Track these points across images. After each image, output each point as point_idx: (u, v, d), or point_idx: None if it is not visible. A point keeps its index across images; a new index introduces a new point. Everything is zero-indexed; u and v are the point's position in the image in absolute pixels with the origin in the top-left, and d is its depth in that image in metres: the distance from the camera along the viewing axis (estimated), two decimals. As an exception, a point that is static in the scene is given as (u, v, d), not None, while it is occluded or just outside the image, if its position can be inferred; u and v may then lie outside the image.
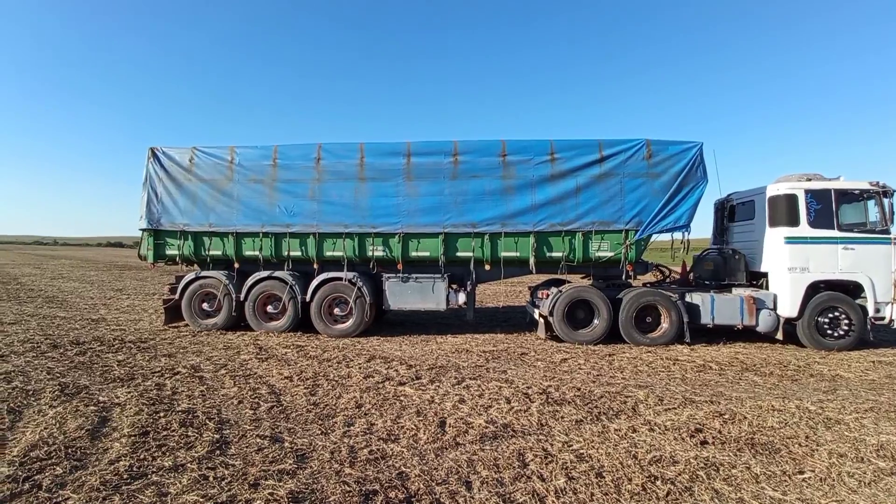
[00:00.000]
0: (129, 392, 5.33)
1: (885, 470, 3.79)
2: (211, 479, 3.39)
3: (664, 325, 8.65)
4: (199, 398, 5.22)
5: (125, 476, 3.40)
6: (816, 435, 4.43)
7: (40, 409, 4.73)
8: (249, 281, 9.04)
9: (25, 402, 4.97)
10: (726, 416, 4.80)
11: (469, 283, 9.02)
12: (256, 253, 9.04)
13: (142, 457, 3.72)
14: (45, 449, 3.81)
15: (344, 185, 8.89)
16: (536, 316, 9.15)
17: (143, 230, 9.39)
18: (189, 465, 3.60)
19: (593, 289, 8.81)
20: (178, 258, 9.42)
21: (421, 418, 4.66)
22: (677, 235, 8.88)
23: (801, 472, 3.68)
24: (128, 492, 3.19)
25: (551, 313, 8.63)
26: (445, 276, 8.90)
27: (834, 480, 3.60)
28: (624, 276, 9.07)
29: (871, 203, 8.60)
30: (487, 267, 8.84)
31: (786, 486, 3.48)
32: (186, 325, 9.52)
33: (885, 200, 8.41)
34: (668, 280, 10.05)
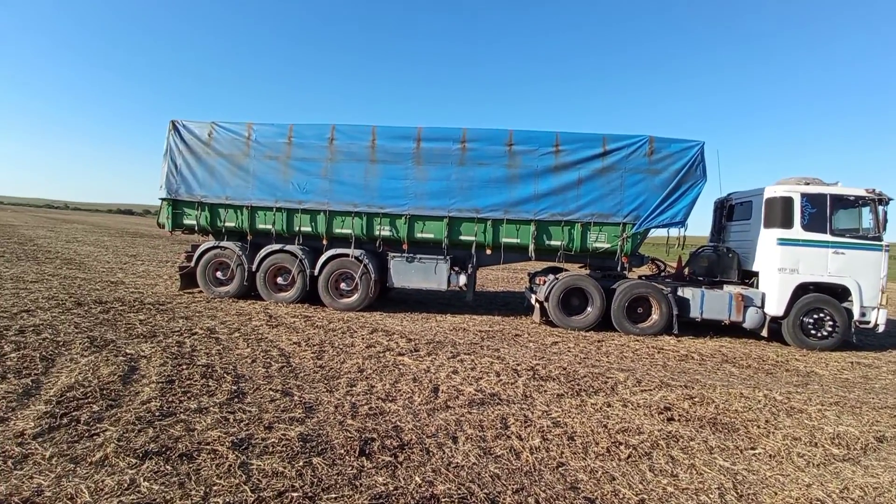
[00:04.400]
0: (153, 347, 5.84)
1: (837, 456, 4.19)
2: (231, 420, 3.89)
3: (654, 316, 9.05)
4: (216, 356, 5.72)
5: (156, 414, 3.90)
6: (776, 420, 4.85)
7: (72, 358, 5.23)
8: (262, 253, 9.51)
9: (56, 351, 5.45)
10: (696, 399, 5.24)
11: (470, 265, 9.43)
12: (269, 226, 9.49)
13: (169, 400, 4.22)
14: (81, 390, 4.30)
15: (355, 166, 9.26)
16: (533, 301, 9.57)
17: (163, 199, 9.84)
18: (211, 408, 4.10)
19: (589, 278, 9.19)
20: (194, 228, 9.88)
21: (416, 384, 5.14)
22: (674, 231, 9.22)
23: (754, 449, 4.12)
24: (160, 426, 3.69)
25: (547, 299, 9.05)
26: (448, 257, 9.32)
27: (783, 458, 4.02)
28: (619, 268, 9.43)
29: (865, 210, 8.85)
30: (489, 251, 9.24)
31: (736, 458, 3.91)
32: (200, 291, 10.04)
33: (881, 208, 8.66)
34: (662, 274, 10.40)
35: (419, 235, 9.27)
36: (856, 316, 8.59)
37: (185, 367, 5.20)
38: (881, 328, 8.57)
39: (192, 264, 9.86)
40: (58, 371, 4.81)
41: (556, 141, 8.98)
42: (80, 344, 5.73)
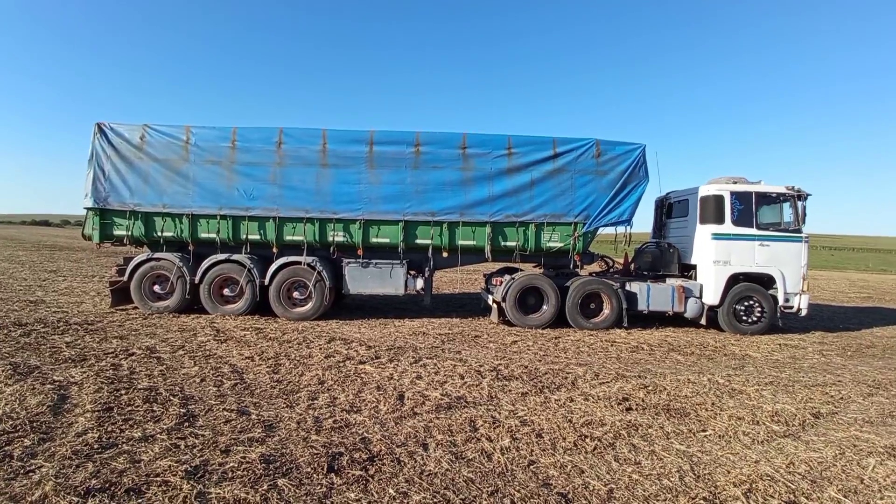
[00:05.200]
0: (84, 372, 5.30)
1: (778, 432, 4.53)
2: (182, 447, 3.59)
3: (606, 311, 9.44)
4: (159, 377, 5.29)
5: (95, 446, 3.52)
6: (721, 402, 5.19)
7: (-6, 388, 4.65)
8: (205, 263, 8.93)
9: (-25, 381, 4.84)
10: (650, 388, 5.51)
11: (427, 269, 9.39)
12: (213, 235, 8.94)
13: (109, 429, 3.83)
14: (10, 423, 3.83)
15: (306, 171, 8.94)
16: (490, 302, 9.68)
17: (89, 209, 9.00)
18: (159, 435, 3.77)
19: (544, 277, 9.43)
20: (126, 239, 9.11)
21: (381, 392, 5.02)
22: (620, 229, 9.66)
23: (704, 431, 4.38)
24: (100, 459, 3.33)
25: (504, 299, 9.19)
26: (404, 262, 9.22)
27: (731, 438, 4.31)
28: (572, 266, 9.75)
29: (786, 205, 9.71)
30: (445, 254, 9.24)
31: (690, 441, 4.15)
32: (135, 307, 9.27)
33: (799, 203, 9.52)
34: (611, 270, 10.87)
35: (374, 240, 9.10)
36: (781, 301, 9.40)
37: (123, 392, 4.75)
38: (804, 312, 9.44)
39: (126, 278, 9.07)
40: (-20, 403, 4.25)
41: (509, 144, 9.15)
42: (2, 371, 5.11)
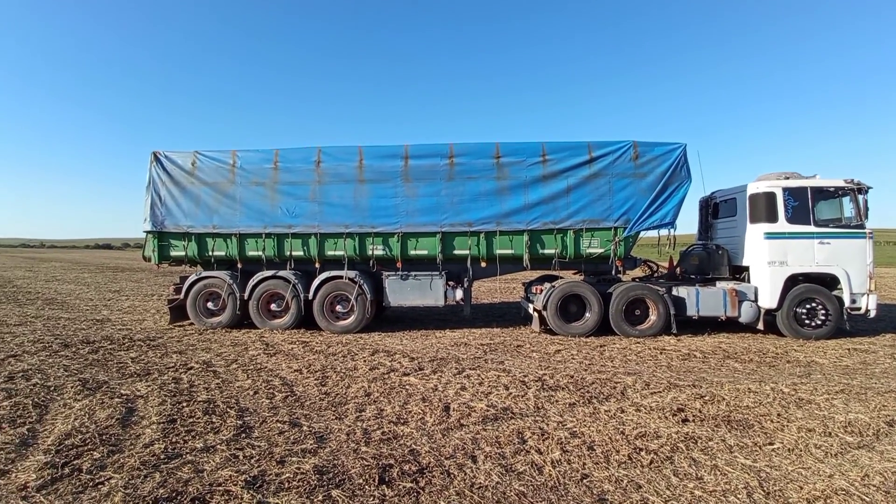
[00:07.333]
0: (149, 385, 5.63)
1: (852, 444, 4.20)
2: (241, 457, 3.73)
3: (652, 317, 9.09)
4: (216, 390, 5.54)
5: (161, 457, 3.72)
6: (788, 413, 4.86)
7: (66, 403, 5.01)
8: (253, 280, 9.33)
9: (49, 397, 5.23)
10: (706, 398, 5.24)
11: (466, 279, 9.39)
12: (259, 253, 9.33)
13: (174, 440, 4.05)
14: (79, 437, 4.11)
15: (344, 187, 9.21)
16: (531, 310, 9.54)
17: (148, 232, 9.62)
18: (219, 446, 3.93)
19: (585, 284, 9.22)
20: (183, 259, 9.68)
21: (426, 404, 5.04)
22: (664, 232, 9.33)
23: (771, 444, 4.11)
24: (166, 469, 3.51)
25: (545, 307, 9.03)
26: (443, 273, 9.27)
27: (801, 451, 4.02)
28: (614, 272, 9.48)
29: (845, 200, 9.07)
30: (483, 264, 9.22)
31: (756, 455, 3.90)
32: (191, 323, 9.79)
33: (860, 197, 8.87)
34: (655, 275, 10.49)
35: (413, 252, 9.21)
36: (847, 303, 8.72)
37: (185, 404, 5.01)
38: (872, 313, 8.72)
39: (182, 296, 9.62)
40: (52, 418, 4.60)
41: (543, 151, 9.08)
42: (72, 387, 5.51)
